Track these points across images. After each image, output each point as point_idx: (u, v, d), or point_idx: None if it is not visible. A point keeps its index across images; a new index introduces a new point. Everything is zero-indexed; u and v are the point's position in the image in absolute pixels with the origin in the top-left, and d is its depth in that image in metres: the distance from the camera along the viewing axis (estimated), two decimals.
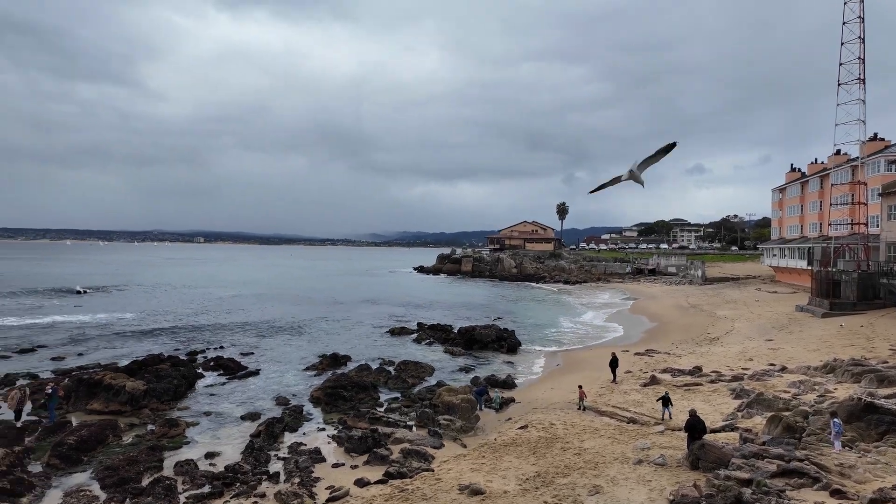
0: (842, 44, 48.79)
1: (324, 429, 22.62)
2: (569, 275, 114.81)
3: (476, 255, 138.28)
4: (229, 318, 54.95)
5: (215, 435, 21.87)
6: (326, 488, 16.43)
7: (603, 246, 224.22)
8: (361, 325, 51.94)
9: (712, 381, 25.56)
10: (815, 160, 73.34)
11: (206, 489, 16.84)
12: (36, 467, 18.07)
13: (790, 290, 65.70)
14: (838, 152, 57.54)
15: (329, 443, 20.88)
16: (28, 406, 23.23)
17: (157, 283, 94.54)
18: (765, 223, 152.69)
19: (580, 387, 23.62)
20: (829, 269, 46.56)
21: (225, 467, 18.40)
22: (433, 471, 16.76)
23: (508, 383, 29.69)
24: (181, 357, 34.64)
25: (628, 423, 20.53)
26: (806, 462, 12.87)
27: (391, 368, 32.98)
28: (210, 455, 19.59)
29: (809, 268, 56.41)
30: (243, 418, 23.83)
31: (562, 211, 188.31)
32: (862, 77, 47.84)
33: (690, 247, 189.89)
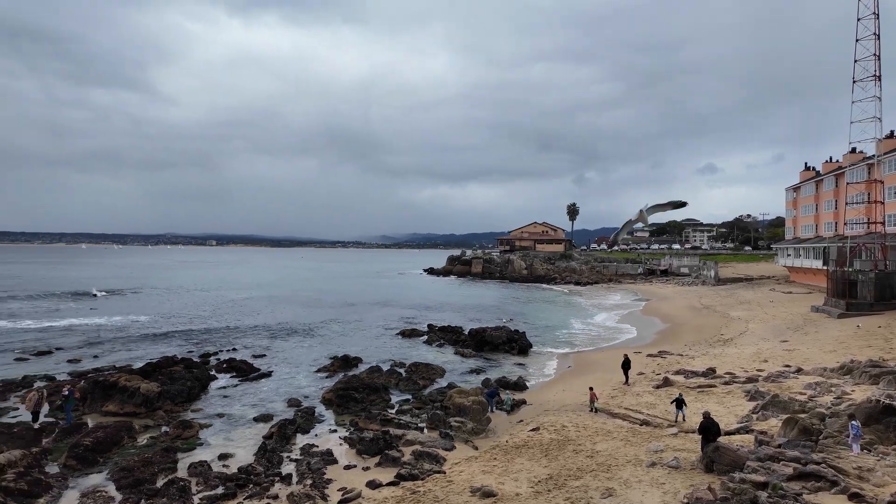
0: (856, 40, 48.23)
1: (335, 430, 22.71)
2: (580, 276, 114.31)
3: (486, 257, 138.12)
4: (242, 320, 55.39)
5: (228, 436, 22.04)
6: (338, 490, 16.49)
7: (614, 246, 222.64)
8: (372, 326, 52.11)
9: (726, 383, 25.30)
10: (830, 158, 72.39)
11: (220, 490, 17.00)
12: (53, 468, 18.34)
13: (805, 290, 64.94)
14: (854, 150, 56.81)
15: (341, 444, 20.95)
16: (45, 408, 23.63)
17: (171, 286, 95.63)
18: (779, 223, 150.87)
19: (591, 388, 23.51)
20: (846, 269, 45.93)
21: (238, 469, 18.56)
22: (445, 473, 16.76)
23: (520, 385, 29.57)
24: (195, 359, 34.99)
25: (641, 425, 20.37)
26: (823, 465, 12.70)
27: (402, 370, 33.01)
28: (223, 456, 19.76)
29: (825, 268, 55.71)
30: (256, 420, 24.00)
31: (572, 212, 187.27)
32: (878, 74, 47.26)
33: (703, 247, 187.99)
